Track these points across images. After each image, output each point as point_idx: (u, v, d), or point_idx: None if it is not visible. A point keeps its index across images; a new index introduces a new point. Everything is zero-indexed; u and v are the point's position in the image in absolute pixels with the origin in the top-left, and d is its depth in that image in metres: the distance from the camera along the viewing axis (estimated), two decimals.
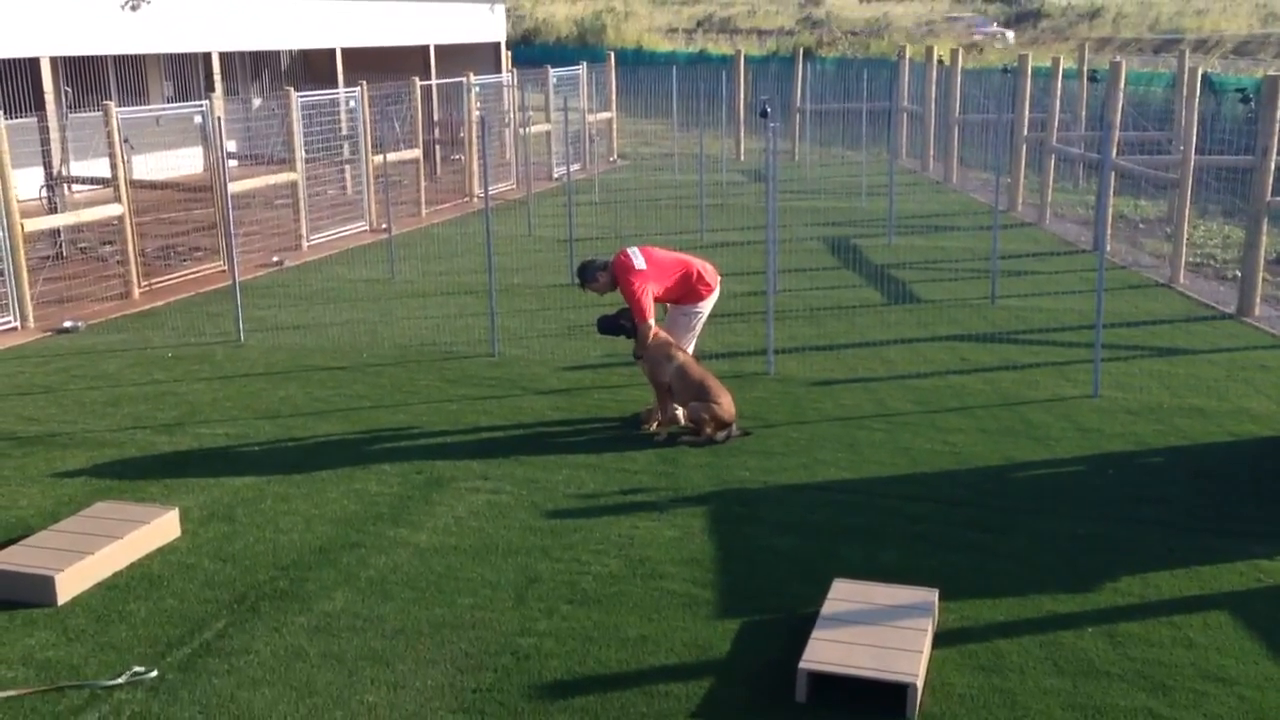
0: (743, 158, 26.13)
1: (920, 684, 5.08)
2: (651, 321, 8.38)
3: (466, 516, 7.09)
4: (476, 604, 6.00)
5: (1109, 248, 12.21)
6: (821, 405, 9.14)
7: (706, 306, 8.83)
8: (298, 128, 15.82)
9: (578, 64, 25.07)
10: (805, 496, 7.36)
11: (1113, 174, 11.34)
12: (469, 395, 9.46)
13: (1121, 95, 16.17)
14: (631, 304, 8.42)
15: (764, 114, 10.49)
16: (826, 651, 5.22)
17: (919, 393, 9.43)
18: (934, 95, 23.22)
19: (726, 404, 8.32)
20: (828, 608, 5.63)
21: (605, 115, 25.92)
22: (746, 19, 58.03)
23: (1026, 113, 18.44)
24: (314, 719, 5.03)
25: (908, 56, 25.96)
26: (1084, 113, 20.20)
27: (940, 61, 23.52)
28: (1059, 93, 17.93)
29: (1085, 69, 20.91)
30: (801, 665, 5.14)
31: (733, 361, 10.26)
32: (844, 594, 5.76)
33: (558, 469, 7.84)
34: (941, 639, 5.61)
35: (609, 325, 8.64)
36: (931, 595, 5.77)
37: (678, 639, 5.66)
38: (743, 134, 26.67)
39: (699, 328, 8.90)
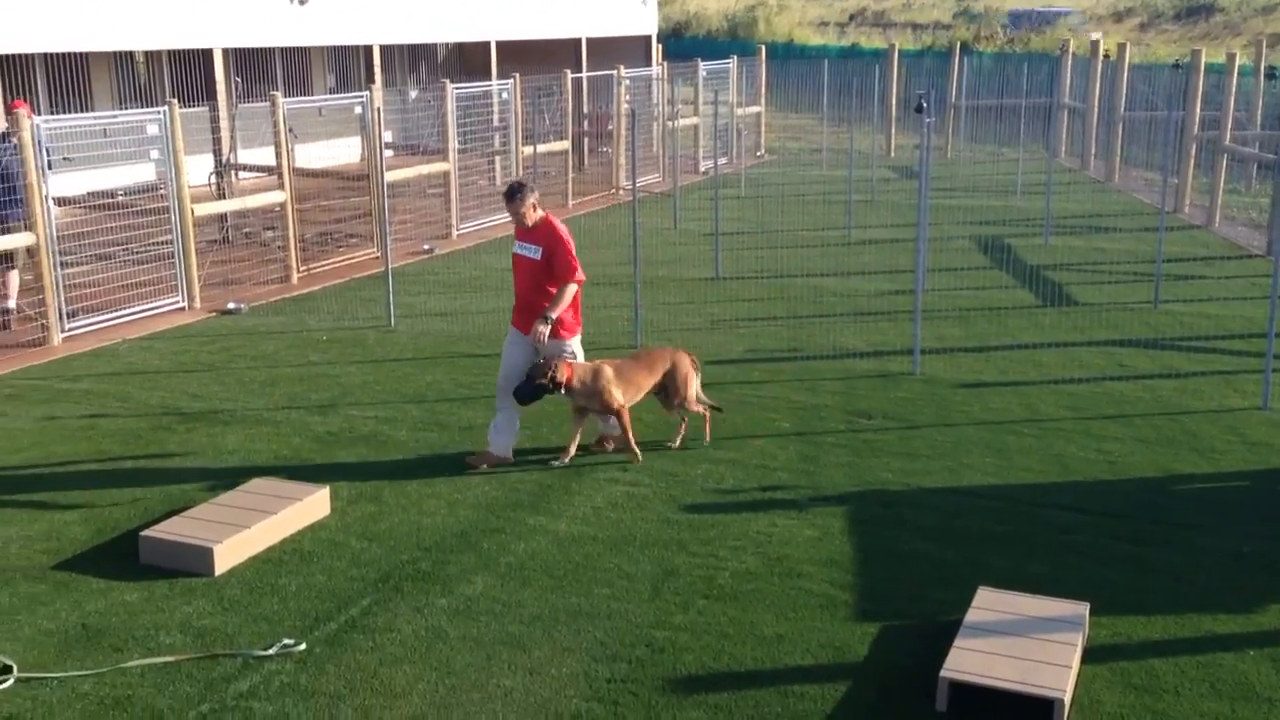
0: (893, 154, 25.67)
1: (1067, 700, 4.90)
2: (575, 285, 7.77)
3: (605, 507, 7.13)
4: (613, 594, 6.03)
5: None
6: (969, 408, 8.90)
7: (575, 345, 7.96)
8: (452, 119, 16.15)
9: (728, 57, 24.98)
10: (950, 501, 7.18)
11: None
12: None
13: None
14: (566, 261, 7.83)
15: (919, 109, 10.22)
16: (969, 661, 5.07)
17: (1073, 398, 9.10)
18: (1098, 91, 22.39)
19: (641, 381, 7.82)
20: (971, 616, 5.47)
21: (754, 109, 25.78)
22: (901, 12, 56.98)
23: (1198, 110, 17.63)
24: (452, 699, 5.13)
25: (1070, 50, 25.10)
26: (1260, 111, 19.22)
27: (1106, 56, 22.67)
28: (1234, 90, 17.08)
29: (1262, 65, 19.89)
30: (943, 674, 5.01)
31: (878, 360, 10.07)
32: (989, 603, 5.59)
33: (697, 463, 7.82)
34: (1091, 655, 5.40)
35: (529, 391, 7.60)
36: (1082, 609, 5.56)
37: (814, 639, 5.58)
38: (894, 130, 26.21)
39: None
